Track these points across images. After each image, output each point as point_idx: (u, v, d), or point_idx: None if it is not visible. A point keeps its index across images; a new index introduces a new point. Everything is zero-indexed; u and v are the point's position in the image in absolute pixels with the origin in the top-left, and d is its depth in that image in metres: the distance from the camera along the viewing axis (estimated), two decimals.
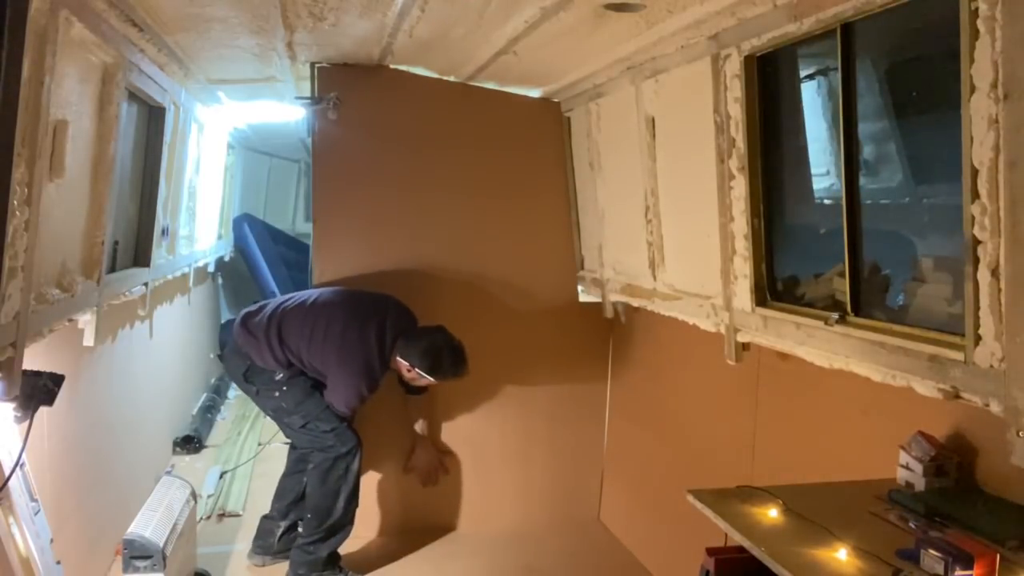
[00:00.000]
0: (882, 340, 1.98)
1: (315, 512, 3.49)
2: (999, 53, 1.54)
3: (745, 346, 2.67)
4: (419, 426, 3.91)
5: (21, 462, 2.34)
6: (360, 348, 3.40)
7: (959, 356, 1.73)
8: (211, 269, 6.64)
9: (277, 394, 3.48)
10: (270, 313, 3.49)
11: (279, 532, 3.67)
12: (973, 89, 1.60)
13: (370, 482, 3.90)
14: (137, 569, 2.83)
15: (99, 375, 3.51)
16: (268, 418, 6.34)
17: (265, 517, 3.75)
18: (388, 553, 3.80)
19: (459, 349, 3.44)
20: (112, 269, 3.20)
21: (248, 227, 7.15)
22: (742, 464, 2.87)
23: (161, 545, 2.87)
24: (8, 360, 2.05)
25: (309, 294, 3.60)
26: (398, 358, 3.42)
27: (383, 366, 3.45)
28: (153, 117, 3.69)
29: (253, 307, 3.60)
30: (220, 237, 6.54)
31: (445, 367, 3.41)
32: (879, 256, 2.20)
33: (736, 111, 2.48)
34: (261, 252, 7.15)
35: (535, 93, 3.97)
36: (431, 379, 3.43)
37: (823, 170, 2.40)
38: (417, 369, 3.40)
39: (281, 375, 3.45)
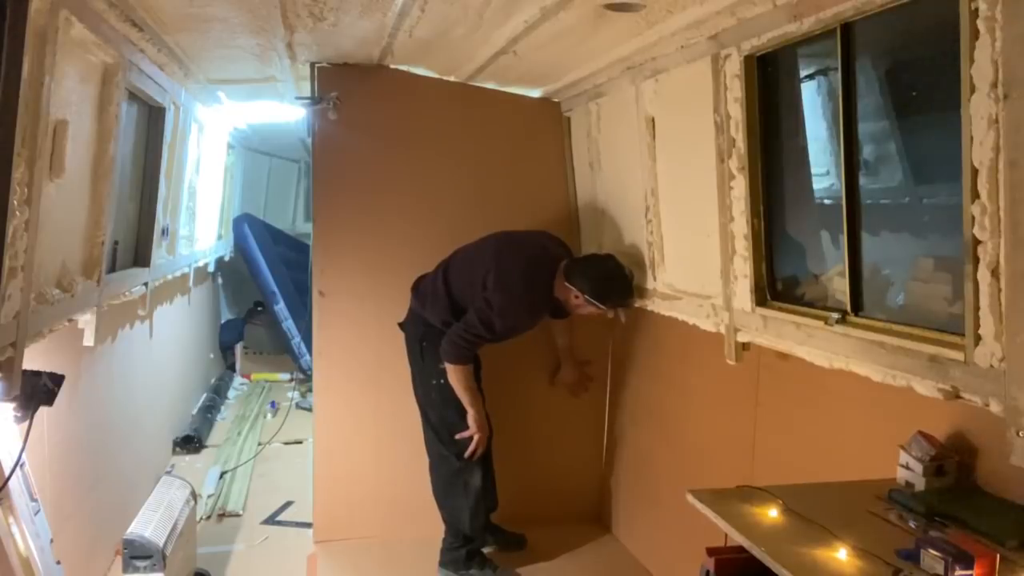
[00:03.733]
0: (882, 340, 1.98)
1: (448, 526, 3.58)
2: (999, 53, 1.54)
3: (745, 346, 2.67)
4: (562, 344, 3.96)
5: (21, 462, 2.34)
6: (523, 277, 3.35)
7: (959, 356, 1.73)
8: (211, 269, 6.65)
9: (435, 382, 3.47)
10: (436, 268, 3.55)
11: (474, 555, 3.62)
12: (973, 89, 1.60)
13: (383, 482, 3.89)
14: (137, 569, 2.83)
15: (99, 375, 3.51)
16: (269, 418, 6.33)
17: (451, 548, 3.63)
18: (389, 553, 3.80)
19: (629, 277, 3.32)
20: (112, 269, 3.21)
21: (248, 227, 7.15)
22: (742, 464, 2.87)
23: (161, 545, 2.87)
24: (8, 360, 2.06)
25: (472, 244, 3.59)
26: (566, 284, 3.30)
27: (544, 299, 3.38)
28: (153, 117, 3.70)
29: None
30: (220, 237, 6.55)
31: (615, 294, 3.28)
32: (879, 256, 2.20)
33: (736, 111, 2.48)
34: (261, 252, 7.15)
35: (535, 93, 3.97)
36: (599, 306, 3.28)
37: (823, 170, 2.40)
38: (586, 295, 3.26)
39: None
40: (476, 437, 3.45)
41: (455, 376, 3.37)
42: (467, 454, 3.47)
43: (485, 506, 3.58)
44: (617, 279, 3.29)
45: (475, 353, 3.42)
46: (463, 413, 3.47)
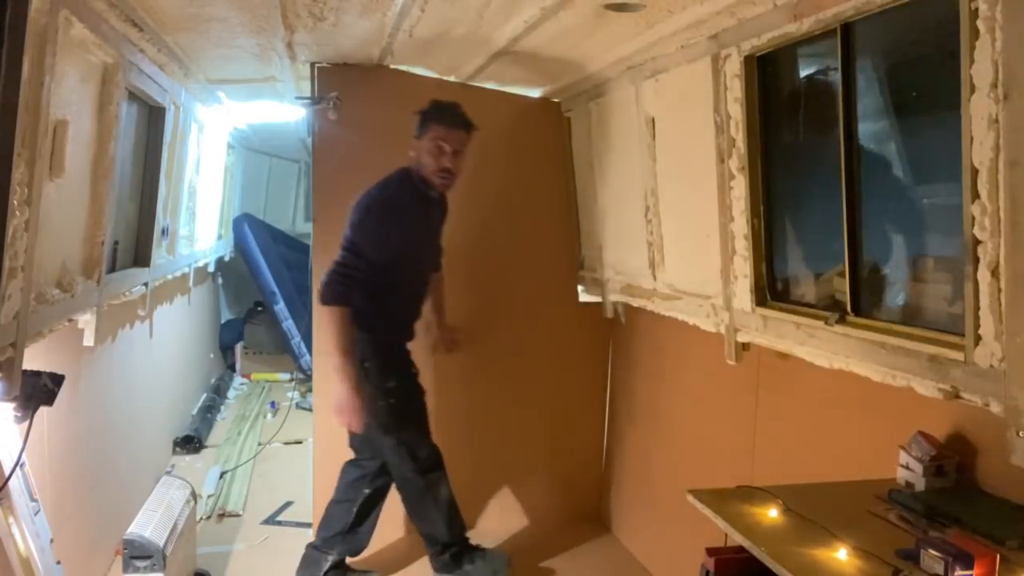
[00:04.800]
0: (882, 340, 1.98)
1: (427, 539, 3.44)
2: (999, 53, 1.54)
3: (745, 346, 2.67)
4: (434, 318, 3.68)
5: (21, 462, 2.34)
6: (377, 186, 3.15)
7: (959, 356, 1.73)
8: (211, 269, 6.65)
9: (384, 402, 3.21)
10: None
11: (326, 566, 3.39)
12: (973, 89, 1.60)
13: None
14: (137, 569, 2.83)
15: (99, 375, 3.51)
16: (269, 418, 6.34)
17: (310, 546, 3.46)
18: (388, 553, 3.80)
19: (454, 107, 3.18)
20: (112, 269, 3.21)
21: (248, 227, 7.15)
22: (742, 464, 2.87)
23: (161, 545, 2.87)
24: (8, 360, 2.06)
25: None
26: (411, 153, 3.13)
27: (409, 196, 3.12)
28: (153, 117, 3.70)
29: None
30: (220, 237, 6.55)
31: (430, 119, 3.11)
32: (879, 256, 2.20)
33: (736, 111, 2.48)
34: (261, 252, 7.15)
35: (535, 93, 3.97)
36: (440, 129, 3.08)
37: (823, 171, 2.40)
38: (425, 132, 3.08)
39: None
40: (343, 415, 3.05)
41: (330, 320, 2.99)
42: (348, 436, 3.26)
43: (458, 512, 3.41)
44: (432, 106, 3.13)
45: (352, 293, 3.00)
46: (423, 430, 3.30)
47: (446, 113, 3.10)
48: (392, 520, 3.79)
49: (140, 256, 3.74)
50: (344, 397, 3.01)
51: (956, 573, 1.42)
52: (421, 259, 3.30)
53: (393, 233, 3.07)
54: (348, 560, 3.48)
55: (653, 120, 3.08)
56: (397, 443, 3.25)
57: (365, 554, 3.56)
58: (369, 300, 3.05)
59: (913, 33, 2.03)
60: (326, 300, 2.98)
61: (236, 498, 4.49)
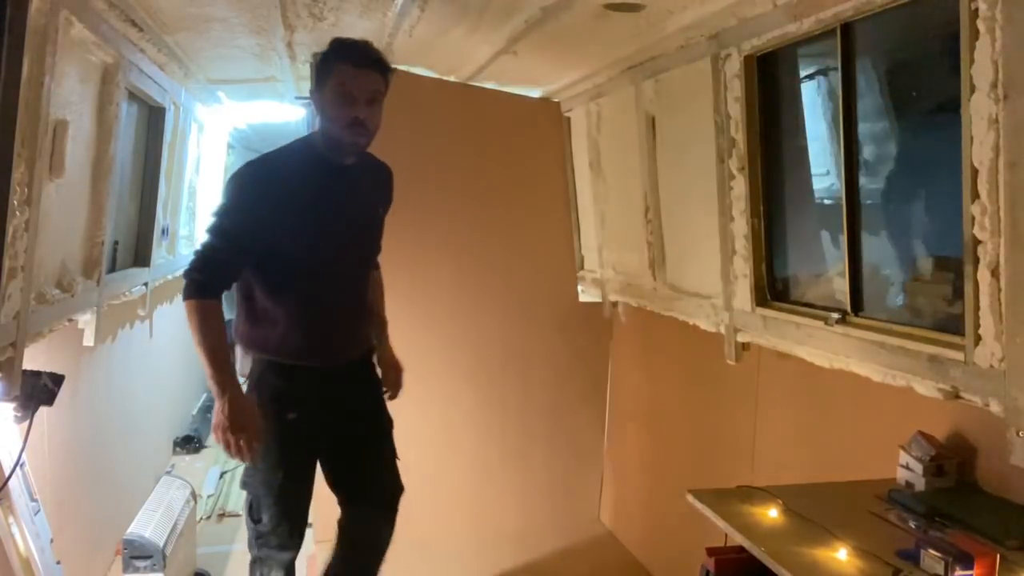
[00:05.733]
0: (882, 340, 1.98)
1: None
2: (999, 53, 1.54)
3: (745, 346, 2.67)
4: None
5: (21, 462, 2.34)
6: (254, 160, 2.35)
7: (959, 356, 1.73)
8: None
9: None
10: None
11: None
12: (973, 89, 1.60)
13: None
14: (137, 569, 2.83)
15: (99, 375, 3.51)
16: None
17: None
18: (388, 553, 3.80)
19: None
20: (112, 269, 3.21)
21: None
22: (742, 464, 2.87)
23: (161, 545, 2.87)
24: (8, 360, 2.06)
25: None
26: (316, 114, 2.34)
27: (293, 160, 2.31)
28: (153, 117, 3.70)
29: None
30: None
31: (340, 44, 2.25)
32: (879, 256, 2.20)
33: (736, 111, 2.48)
34: None
35: (535, 93, 3.97)
36: (346, 70, 2.19)
37: (823, 170, 2.40)
38: (326, 78, 2.22)
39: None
40: (228, 444, 2.14)
41: (190, 318, 2.22)
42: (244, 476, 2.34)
43: None
44: (333, 44, 2.28)
45: (216, 283, 2.24)
46: (285, 510, 2.34)
47: (352, 50, 2.24)
48: None
49: (140, 256, 3.74)
50: (224, 415, 2.11)
51: (956, 573, 1.42)
52: (328, 248, 2.29)
53: (271, 212, 2.18)
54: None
55: (653, 120, 3.08)
56: (248, 500, 2.35)
57: None
58: (248, 304, 2.35)
59: (913, 33, 2.03)
60: (185, 292, 2.23)
61: (236, 498, 4.49)
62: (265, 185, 2.23)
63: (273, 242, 2.21)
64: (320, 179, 2.28)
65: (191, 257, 2.30)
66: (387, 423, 2.50)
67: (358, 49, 2.26)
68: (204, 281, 2.22)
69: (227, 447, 2.14)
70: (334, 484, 2.48)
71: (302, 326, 2.29)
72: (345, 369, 2.37)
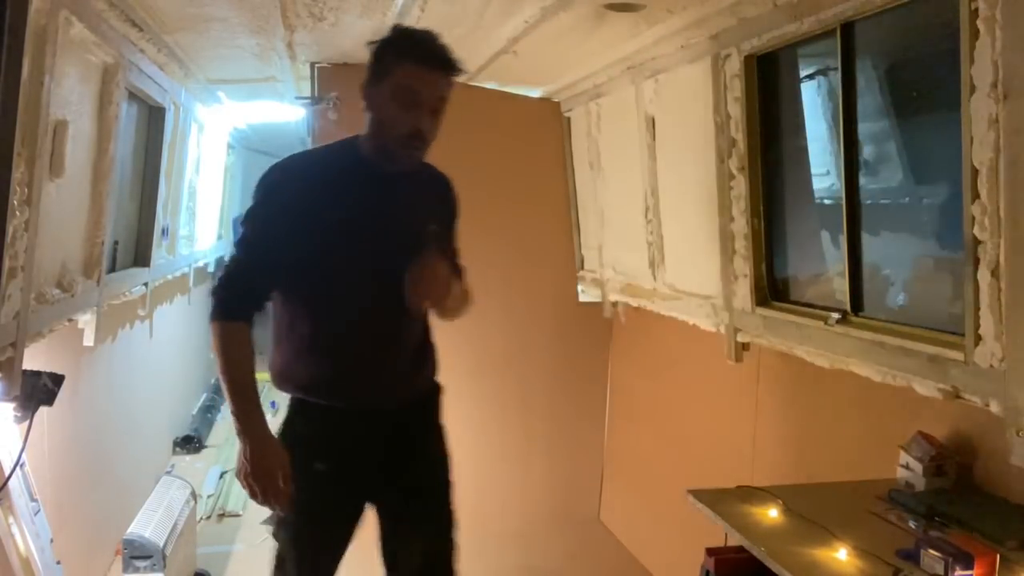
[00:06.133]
0: (882, 340, 1.98)
1: None
2: (999, 53, 1.54)
3: (745, 346, 2.67)
4: None
5: (21, 462, 2.34)
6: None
7: (959, 356, 1.73)
8: (211, 269, 6.64)
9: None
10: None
11: None
12: (973, 89, 1.60)
13: None
14: (137, 569, 2.83)
15: (99, 375, 3.51)
16: (270, 417, 6.33)
17: None
18: None
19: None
20: (112, 269, 3.21)
21: None
22: (742, 464, 2.87)
23: (161, 545, 2.87)
24: (8, 360, 2.06)
25: None
26: (366, 111, 1.90)
27: (327, 161, 1.98)
28: (153, 117, 3.70)
29: None
30: (220, 237, 6.54)
31: (405, 35, 1.92)
32: (879, 256, 2.20)
33: (736, 111, 2.48)
34: None
35: (535, 93, 3.97)
36: (410, 68, 1.82)
37: (823, 170, 2.40)
38: (385, 74, 1.83)
39: None
40: (252, 492, 1.82)
41: (213, 342, 1.85)
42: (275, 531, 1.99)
43: None
44: (396, 33, 1.93)
45: (241, 299, 1.85)
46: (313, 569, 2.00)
47: (423, 47, 1.85)
48: None
49: (140, 256, 3.74)
50: (246, 459, 1.81)
51: (956, 573, 1.42)
52: (363, 269, 1.91)
53: (297, 222, 1.84)
54: None
55: (653, 120, 3.08)
56: (275, 553, 2.01)
57: None
58: (277, 331, 1.97)
59: (913, 33, 2.03)
60: (211, 314, 1.86)
61: (236, 498, 4.49)
62: (293, 190, 1.87)
63: (300, 258, 1.86)
64: (360, 189, 1.91)
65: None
66: (442, 487, 2.03)
67: (430, 46, 1.85)
68: (227, 301, 1.86)
69: (252, 495, 1.83)
70: (380, 545, 2.07)
71: (332, 359, 1.93)
72: (391, 414, 1.96)
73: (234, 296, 1.86)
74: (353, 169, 1.92)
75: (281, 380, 2.01)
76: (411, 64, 1.82)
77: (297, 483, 1.83)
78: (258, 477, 1.80)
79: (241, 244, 1.89)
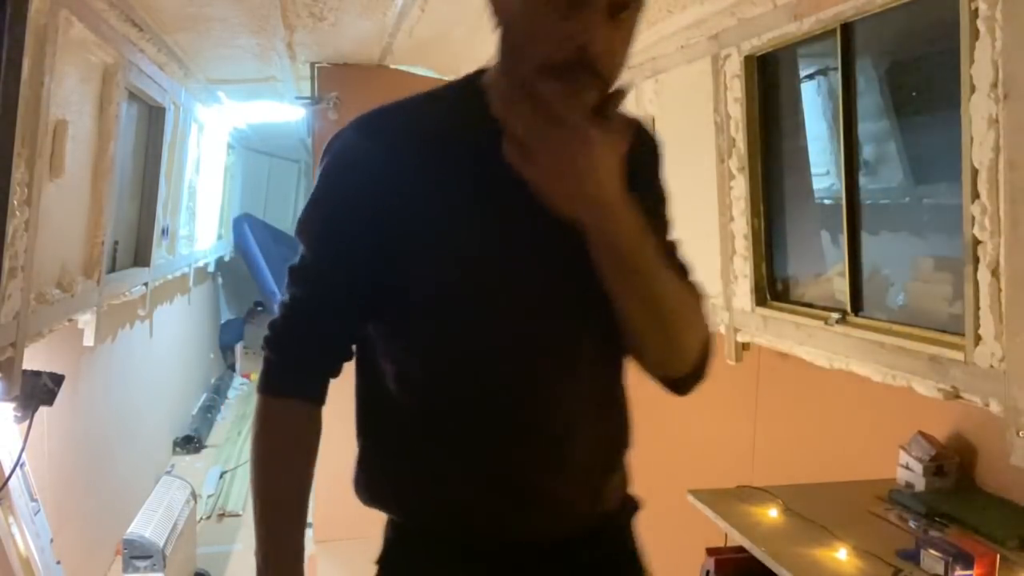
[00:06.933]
0: (882, 340, 1.98)
1: None
2: (999, 53, 1.54)
3: (745, 346, 2.67)
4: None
5: (21, 462, 2.34)
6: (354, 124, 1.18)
7: (959, 356, 1.73)
8: (211, 269, 6.65)
9: None
10: None
11: None
12: (973, 89, 1.60)
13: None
14: (137, 569, 2.84)
15: (99, 375, 3.51)
16: None
17: None
18: None
19: None
20: (112, 269, 3.21)
21: (248, 227, 7.16)
22: (742, 464, 2.87)
23: (161, 545, 2.87)
24: (8, 360, 2.06)
25: None
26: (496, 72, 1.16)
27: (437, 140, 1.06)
28: (153, 117, 3.70)
29: None
30: (220, 237, 6.55)
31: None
32: (879, 256, 2.20)
33: (736, 111, 2.48)
34: (261, 252, 7.15)
35: None
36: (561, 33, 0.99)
37: (823, 170, 2.40)
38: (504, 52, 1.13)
39: None
40: None
41: (254, 430, 1.10)
42: None
43: None
44: None
45: (292, 361, 1.10)
46: None
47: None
48: None
49: (140, 256, 3.74)
50: None
51: (956, 573, 1.42)
52: (516, 292, 1.06)
53: (394, 211, 1.03)
54: None
55: (653, 120, 3.08)
56: None
57: None
58: (363, 409, 1.22)
59: (913, 33, 2.03)
60: (260, 383, 1.12)
61: (236, 498, 4.49)
62: (384, 161, 1.05)
63: (399, 276, 1.04)
64: (495, 158, 0.98)
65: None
66: None
67: None
68: (279, 365, 1.10)
69: None
70: None
71: (464, 459, 1.09)
72: (560, 551, 1.15)
73: (288, 356, 1.10)
74: (481, 125, 1.07)
75: (366, 492, 1.18)
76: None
77: None
78: None
79: (297, 273, 1.11)
